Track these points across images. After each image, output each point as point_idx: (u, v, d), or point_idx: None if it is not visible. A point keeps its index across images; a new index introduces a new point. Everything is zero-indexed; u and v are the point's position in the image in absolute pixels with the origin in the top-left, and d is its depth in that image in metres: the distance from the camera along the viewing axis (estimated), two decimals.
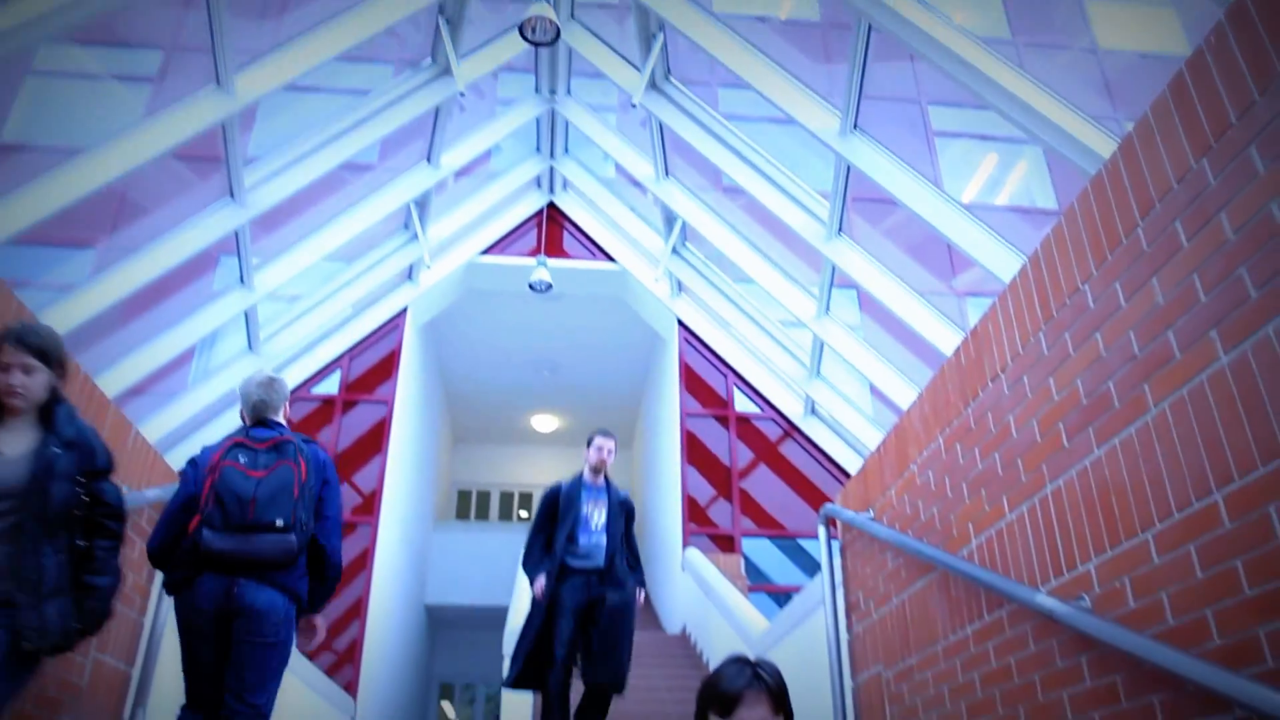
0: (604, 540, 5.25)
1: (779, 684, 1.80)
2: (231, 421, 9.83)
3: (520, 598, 7.87)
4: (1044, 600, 2.53)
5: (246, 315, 8.70)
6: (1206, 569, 2.06)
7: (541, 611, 5.01)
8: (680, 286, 11.81)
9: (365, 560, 10.20)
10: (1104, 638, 2.28)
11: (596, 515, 5.30)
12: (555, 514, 5.30)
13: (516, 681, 4.99)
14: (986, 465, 3.09)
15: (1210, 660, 1.98)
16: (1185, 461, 2.15)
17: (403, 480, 11.68)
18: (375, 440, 11.10)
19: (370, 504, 10.45)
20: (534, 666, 4.97)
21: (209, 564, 3.04)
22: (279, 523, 3.08)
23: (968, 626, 3.14)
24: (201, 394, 8.94)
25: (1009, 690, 2.85)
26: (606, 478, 5.52)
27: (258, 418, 3.44)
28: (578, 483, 5.42)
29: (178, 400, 8.80)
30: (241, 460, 3.21)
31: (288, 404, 3.60)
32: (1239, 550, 1.97)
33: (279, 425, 3.45)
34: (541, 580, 5.09)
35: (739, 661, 1.84)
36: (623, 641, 5.12)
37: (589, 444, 5.53)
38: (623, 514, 5.42)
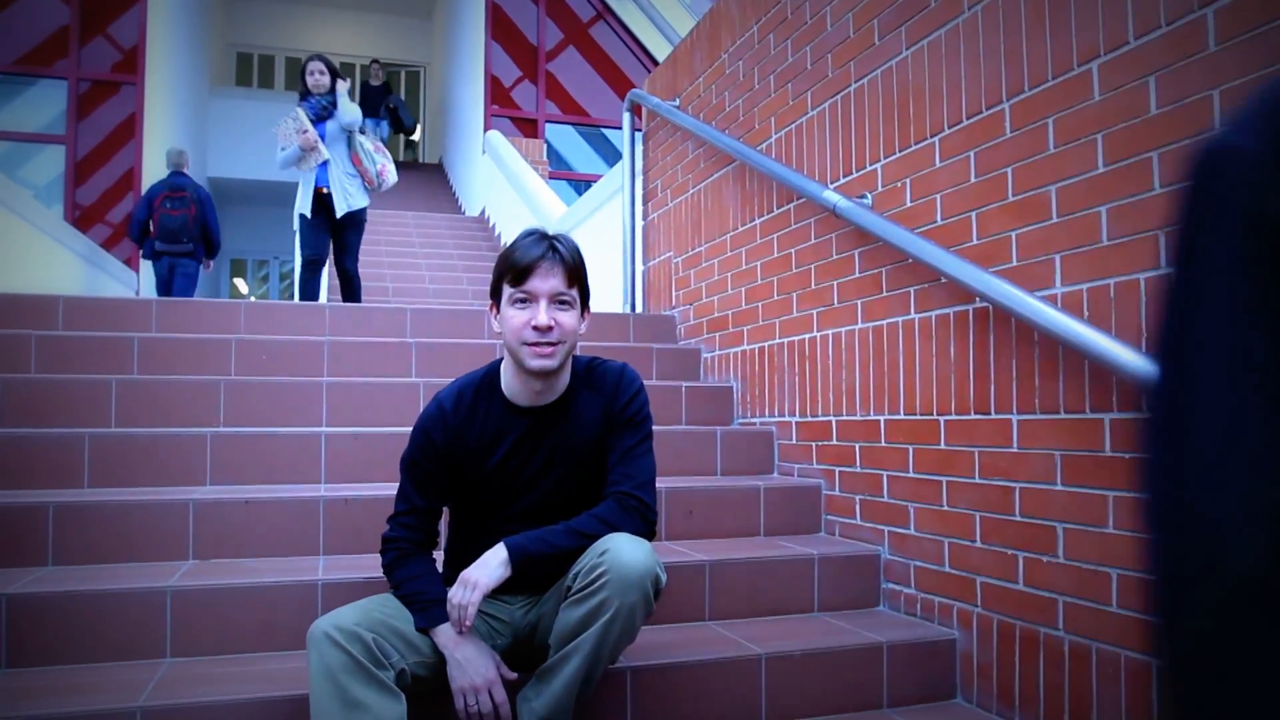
0: None
1: (575, 258, 1.79)
2: None
3: None
4: (830, 196, 2.64)
5: None
6: (981, 174, 2.18)
7: None
8: None
9: (133, 127, 9.33)
10: (877, 232, 2.44)
11: None
12: None
13: None
14: (797, 58, 3.04)
15: (965, 257, 2.16)
16: (985, 69, 2.18)
17: (169, 36, 10.39)
18: None
19: (132, 61, 9.33)
20: None
21: (164, 253, 7.32)
22: (184, 239, 7.24)
23: (757, 218, 3.28)
24: None
25: (785, 277, 3.07)
26: None
27: (174, 170, 7.38)
28: None
29: None
30: (168, 206, 7.21)
31: (189, 161, 7.62)
32: (1014, 158, 2.08)
33: (185, 176, 7.40)
34: None
35: (536, 234, 1.80)
36: None
37: None
38: None
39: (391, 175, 5.72)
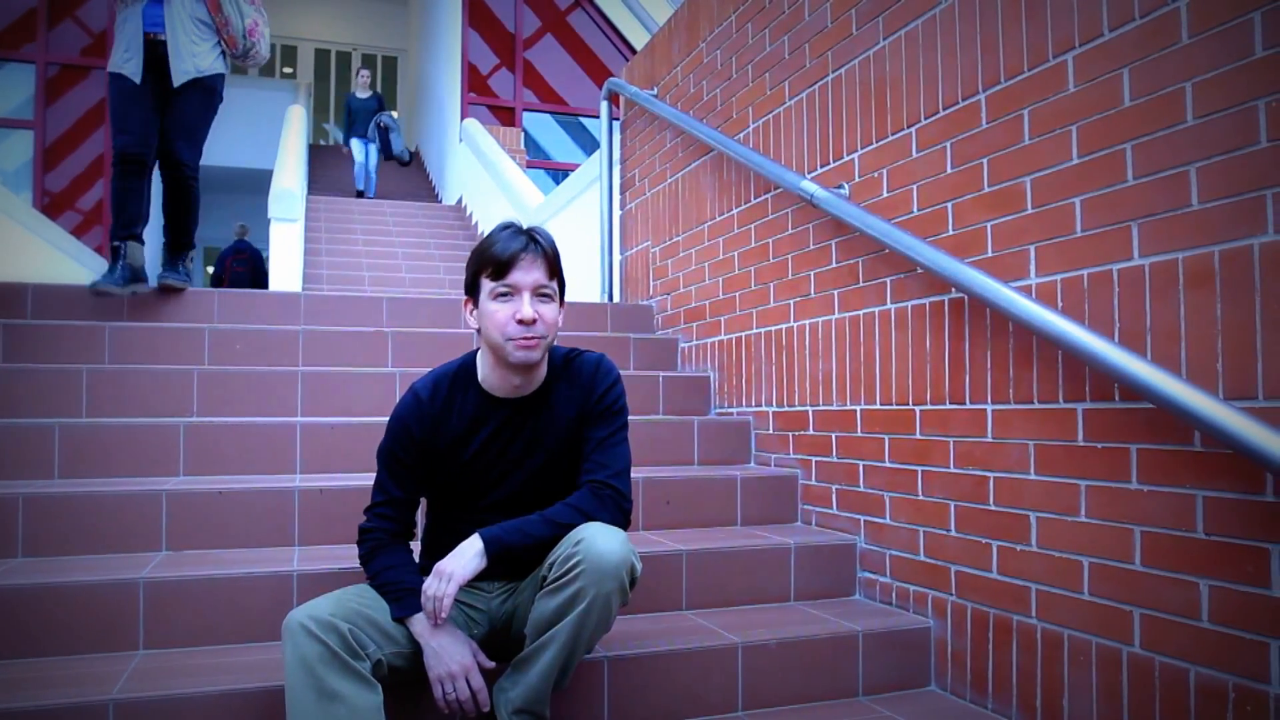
0: None
1: (553, 250, 1.79)
2: None
3: (290, 154, 7.42)
4: (807, 185, 2.64)
5: None
6: (957, 165, 2.19)
7: None
8: None
9: (103, 112, 9.18)
10: (854, 222, 2.43)
11: None
12: None
13: None
14: (775, 48, 3.03)
15: (941, 247, 2.17)
16: (961, 60, 2.19)
17: None
18: None
19: (102, 45, 9.19)
20: None
21: None
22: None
23: (734, 208, 3.28)
24: None
25: (763, 267, 3.07)
26: None
27: (239, 238, 10.38)
28: None
29: None
30: (235, 266, 9.87)
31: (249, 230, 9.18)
32: (989, 149, 2.08)
33: (246, 242, 9.89)
34: None
35: (512, 227, 1.79)
36: None
37: None
38: None
39: (264, 45, 3.76)
